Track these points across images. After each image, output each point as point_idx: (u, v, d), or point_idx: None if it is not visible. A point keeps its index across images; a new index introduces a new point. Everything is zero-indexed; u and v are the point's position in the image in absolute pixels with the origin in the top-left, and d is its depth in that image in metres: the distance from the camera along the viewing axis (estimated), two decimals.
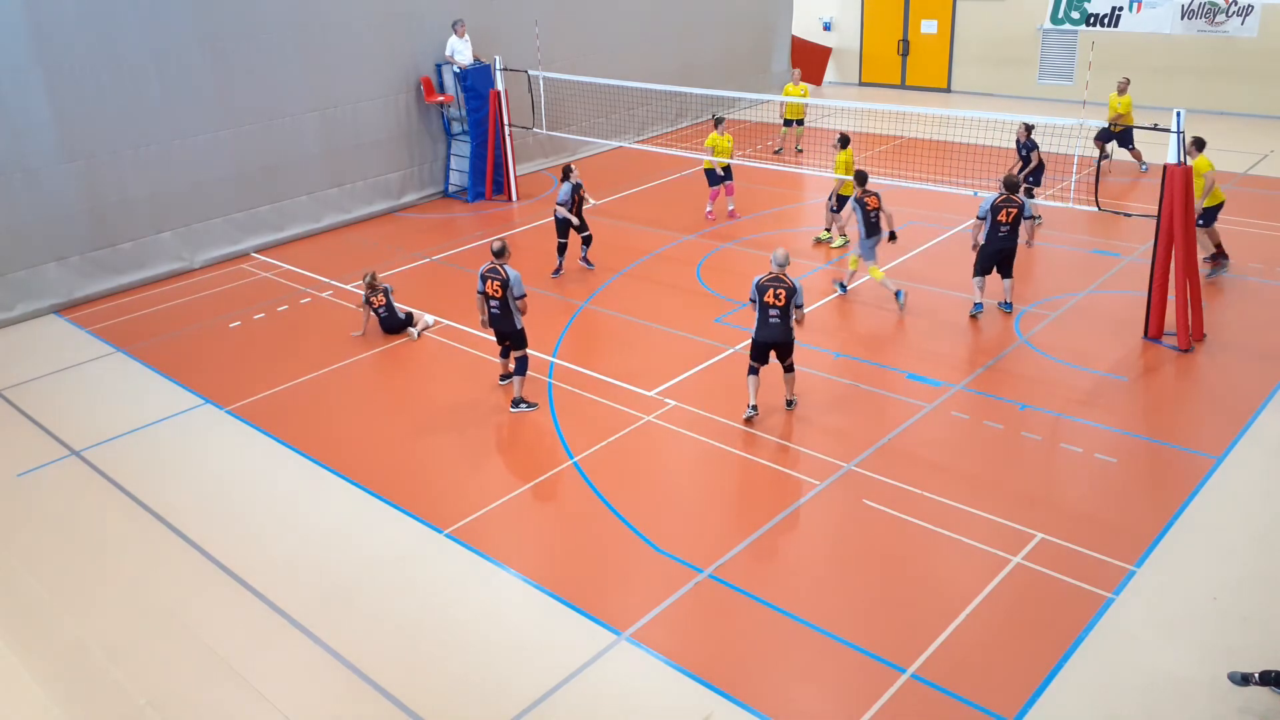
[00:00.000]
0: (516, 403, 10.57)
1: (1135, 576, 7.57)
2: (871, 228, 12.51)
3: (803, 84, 19.94)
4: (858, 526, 8.41)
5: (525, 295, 10.23)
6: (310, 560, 8.36)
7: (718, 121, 16.09)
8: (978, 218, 11.95)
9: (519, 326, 10.34)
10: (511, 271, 10.12)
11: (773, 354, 9.93)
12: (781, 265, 9.69)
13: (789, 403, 10.22)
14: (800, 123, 20.00)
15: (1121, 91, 17.00)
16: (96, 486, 9.68)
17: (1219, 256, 13.24)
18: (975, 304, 12.19)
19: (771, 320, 9.70)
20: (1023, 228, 12.04)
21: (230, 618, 7.74)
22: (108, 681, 7.17)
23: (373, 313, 12.48)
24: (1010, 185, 11.74)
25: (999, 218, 11.71)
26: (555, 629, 7.40)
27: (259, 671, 7.16)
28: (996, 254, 11.89)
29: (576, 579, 7.94)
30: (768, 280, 9.70)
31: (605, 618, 7.43)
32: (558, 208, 13.88)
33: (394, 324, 12.47)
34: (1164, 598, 7.37)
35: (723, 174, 16.07)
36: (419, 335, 12.47)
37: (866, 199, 12.50)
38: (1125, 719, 6.36)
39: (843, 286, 13.13)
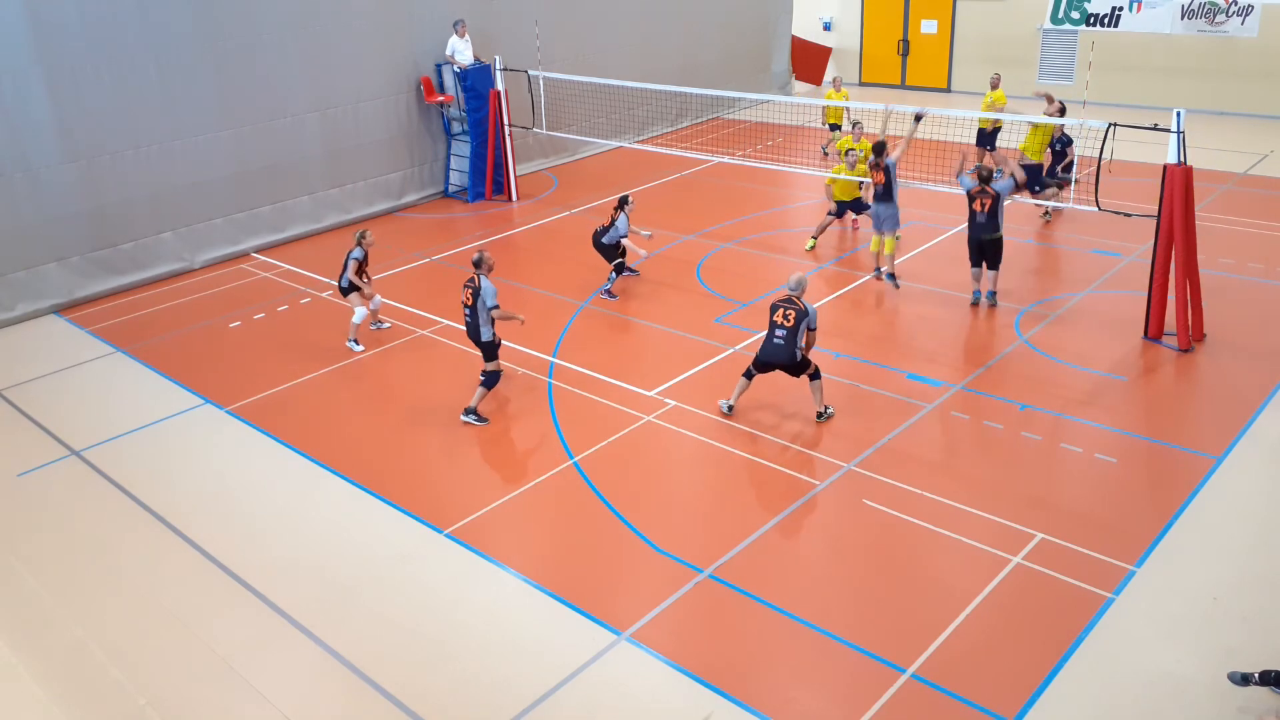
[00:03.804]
0: (468, 411, 10.31)
1: (1135, 576, 7.57)
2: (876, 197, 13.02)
3: (844, 90, 19.82)
4: (858, 526, 8.41)
5: (498, 307, 10.00)
6: (310, 560, 8.36)
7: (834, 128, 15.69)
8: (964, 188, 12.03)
9: (486, 339, 10.13)
10: (486, 283, 9.98)
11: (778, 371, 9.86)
12: (794, 290, 9.59)
13: (819, 414, 9.92)
14: (838, 127, 19.52)
15: (994, 86, 16.80)
16: (97, 486, 9.68)
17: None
18: (974, 291, 12.46)
19: (776, 340, 9.60)
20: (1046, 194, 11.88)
21: (230, 618, 7.74)
22: (108, 681, 7.17)
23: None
24: (984, 176, 11.79)
25: (974, 206, 11.87)
26: (555, 629, 7.40)
27: (259, 671, 7.16)
28: (976, 244, 12.08)
29: (576, 579, 7.94)
30: (780, 300, 9.64)
31: (605, 618, 7.43)
32: (621, 239, 13.09)
33: (342, 285, 12.06)
34: (1164, 598, 7.37)
35: (849, 202, 14.74)
36: (363, 326, 12.29)
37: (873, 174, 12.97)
38: (1125, 719, 6.37)
39: (891, 278, 12.96)
